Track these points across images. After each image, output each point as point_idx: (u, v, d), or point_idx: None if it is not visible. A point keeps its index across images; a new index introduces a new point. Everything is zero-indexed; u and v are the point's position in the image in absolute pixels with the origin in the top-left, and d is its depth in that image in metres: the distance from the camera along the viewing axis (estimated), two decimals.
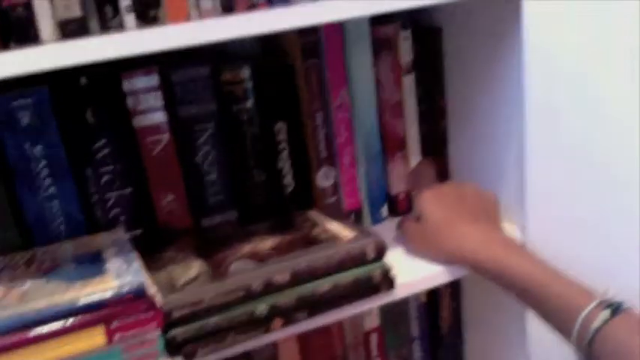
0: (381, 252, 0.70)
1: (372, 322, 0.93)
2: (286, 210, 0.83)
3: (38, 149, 0.71)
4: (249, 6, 0.72)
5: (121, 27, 0.68)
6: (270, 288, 0.66)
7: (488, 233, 0.73)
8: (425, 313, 0.97)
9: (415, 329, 0.97)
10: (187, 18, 0.70)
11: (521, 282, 0.67)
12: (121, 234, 0.73)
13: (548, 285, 0.65)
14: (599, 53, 0.64)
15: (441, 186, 0.80)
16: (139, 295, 0.59)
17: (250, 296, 0.65)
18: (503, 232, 0.76)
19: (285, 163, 0.83)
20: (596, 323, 0.60)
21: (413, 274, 0.74)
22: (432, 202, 0.77)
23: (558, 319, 0.64)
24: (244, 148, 0.81)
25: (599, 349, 0.59)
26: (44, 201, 0.73)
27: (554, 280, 0.65)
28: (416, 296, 0.95)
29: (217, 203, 0.80)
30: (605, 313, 0.60)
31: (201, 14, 0.71)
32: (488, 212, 0.78)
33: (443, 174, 0.92)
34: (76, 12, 0.67)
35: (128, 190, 0.76)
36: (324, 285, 0.68)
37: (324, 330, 0.90)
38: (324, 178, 0.84)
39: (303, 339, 0.91)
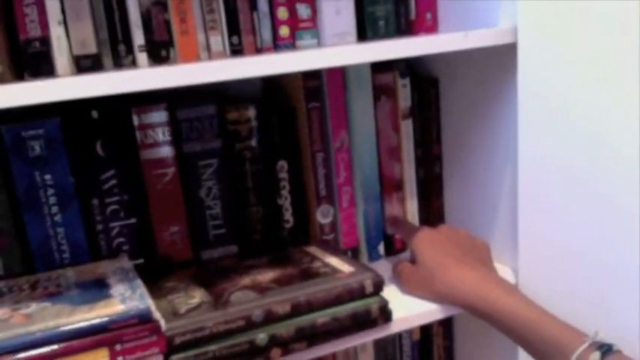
0: (378, 286, 0.72)
1: (367, 357, 0.94)
2: (285, 245, 0.85)
3: (47, 178, 0.73)
4: (257, 49, 0.76)
5: (133, 65, 0.72)
6: (270, 318, 0.67)
7: (481, 276, 0.75)
8: (418, 350, 0.98)
9: None
10: (197, 59, 0.74)
11: (512, 323, 0.69)
12: (124, 262, 0.75)
13: (539, 326, 0.67)
14: (596, 101, 0.67)
15: (435, 230, 0.83)
16: (144, 319, 0.60)
17: (251, 326, 0.66)
18: (496, 275, 0.78)
19: (285, 200, 0.85)
20: None
21: (409, 309, 0.75)
22: (426, 245, 0.80)
23: (550, 358, 0.66)
24: (246, 185, 0.83)
25: None
26: (50, 228, 0.74)
27: (544, 321, 0.67)
28: (409, 334, 0.97)
29: (218, 237, 0.82)
30: (596, 355, 0.61)
31: (211, 56, 0.74)
32: (481, 256, 0.81)
33: (438, 216, 0.94)
34: (91, 49, 0.71)
35: (132, 221, 0.78)
36: (323, 317, 0.69)
37: None
38: (322, 216, 0.86)
39: None
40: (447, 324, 0.98)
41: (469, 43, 0.73)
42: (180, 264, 0.80)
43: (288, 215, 0.86)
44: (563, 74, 0.69)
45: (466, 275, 0.75)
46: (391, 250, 0.92)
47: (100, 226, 0.77)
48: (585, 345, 0.62)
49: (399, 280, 0.81)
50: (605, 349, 0.61)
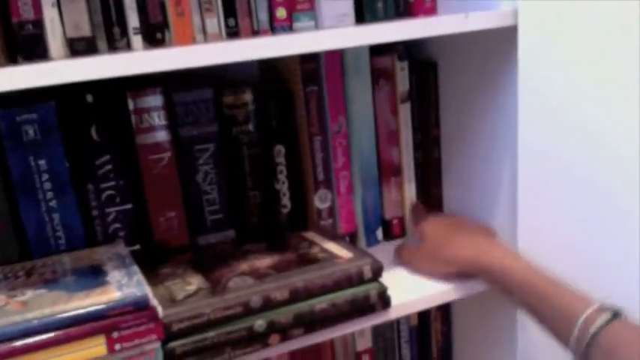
0: (377, 272, 0.72)
1: (365, 343, 0.94)
2: (283, 230, 0.84)
3: (42, 163, 0.72)
4: (253, 32, 0.75)
5: (128, 47, 0.70)
6: (268, 304, 0.67)
7: (487, 243, 0.77)
8: (416, 336, 0.98)
9: (406, 352, 0.98)
10: (193, 41, 0.73)
11: (519, 287, 0.69)
12: (120, 248, 0.74)
13: (546, 290, 0.67)
14: (595, 85, 0.66)
15: (442, 216, 0.85)
16: (141, 306, 0.60)
17: (249, 312, 0.66)
18: (502, 244, 0.79)
19: (282, 185, 0.84)
20: (595, 327, 0.60)
21: (407, 295, 0.75)
22: (432, 225, 0.82)
23: (557, 323, 0.65)
24: (243, 169, 0.82)
25: (597, 353, 0.60)
26: (45, 214, 0.73)
27: (552, 285, 0.67)
28: (407, 319, 0.97)
29: (215, 222, 0.82)
30: (604, 318, 0.61)
31: (207, 38, 0.73)
32: (486, 235, 0.82)
33: (436, 201, 0.94)
34: (85, 31, 0.69)
35: (128, 206, 0.77)
36: (321, 303, 0.69)
37: (316, 350, 0.91)
38: (320, 201, 0.86)
39: (294, 358, 0.91)
40: (445, 309, 0.98)
41: (470, 26, 0.72)
42: (177, 250, 0.80)
43: (286, 200, 0.85)
44: (563, 58, 0.69)
45: (471, 242, 0.77)
46: (389, 235, 0.91)
47: (95, 212, 0.76)
48: (593, 308, 0.62)
49: (402, 260, 0.82)
50: (613, 312, 0.61)
